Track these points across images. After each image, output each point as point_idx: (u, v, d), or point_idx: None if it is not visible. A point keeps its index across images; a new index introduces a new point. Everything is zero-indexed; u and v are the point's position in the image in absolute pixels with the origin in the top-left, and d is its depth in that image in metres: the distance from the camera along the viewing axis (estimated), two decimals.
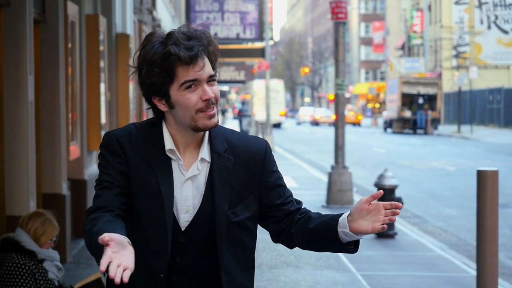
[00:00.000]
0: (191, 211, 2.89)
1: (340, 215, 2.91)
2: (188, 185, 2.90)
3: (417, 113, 48.28)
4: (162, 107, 2.88)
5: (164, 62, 2.80)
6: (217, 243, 2.89)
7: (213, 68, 2.87)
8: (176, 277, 2.89)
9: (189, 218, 2.88)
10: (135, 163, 2.88)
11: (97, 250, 2.58)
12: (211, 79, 2.85)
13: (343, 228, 2.88)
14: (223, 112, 72.71)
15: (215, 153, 2.92)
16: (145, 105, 3.03)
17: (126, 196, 2.87)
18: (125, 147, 2.89)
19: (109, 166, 2.88)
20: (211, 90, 2.84)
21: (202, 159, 2.91)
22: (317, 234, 2.94)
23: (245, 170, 2.95)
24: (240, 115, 47.75)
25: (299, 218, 2.99)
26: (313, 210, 3.06)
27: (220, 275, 2.90)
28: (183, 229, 2.88)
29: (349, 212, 2.88)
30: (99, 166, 2.93)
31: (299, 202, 3.06)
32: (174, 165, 2.90)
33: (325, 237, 2.93)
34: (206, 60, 2.84)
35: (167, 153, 2.89)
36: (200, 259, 2.91)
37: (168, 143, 2.90)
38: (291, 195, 3.04)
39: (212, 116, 2.85)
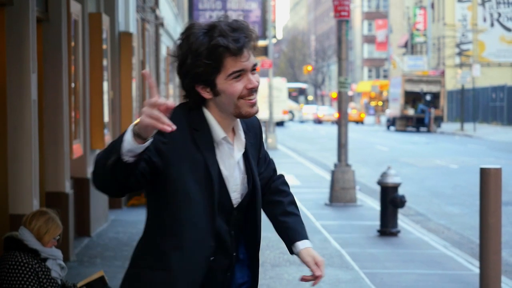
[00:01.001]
0: (238, 190, 3.08)
1: (298, 238, 3.19)
2: (236, 166, 3.08)
3: (419, 110, 48.09)
4: (206, 94, 2.99)
5: (212, 53, 2.91)
6: (257, 216, 3.15)
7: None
8: (235, 252, 3.11)
9: (237, 196, 3.08)
10: (181, 146, 2.96)
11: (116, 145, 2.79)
12: (254, 68, 2.99)
13: (296, 253, 3.20)
14: None
15: (244, 133, 3.13)
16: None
17: (148, 164, 2.89)
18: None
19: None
20: (255, 79, 2.99)
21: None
22: (280, 232, 3.25)
23: (257, 143, 3.21)
24: None
25: (271, 192, 3.30)
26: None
27: (254, 244, 3.17)
28: (235, 206, 3.08)
29: (304, 247, 3.18)
30: None
31: (270, 162, 3.36)
32: (223, 149, 3.04)
33: (284, 240, 3.25)
34: (251, 51, 2.98)
35: (222, 140, 3.03)
36: (245, 231, 3.15)
37: (220, 131, 3.03)
38: (265, 155, 3.31)
39: (254, 104, 3.01)
